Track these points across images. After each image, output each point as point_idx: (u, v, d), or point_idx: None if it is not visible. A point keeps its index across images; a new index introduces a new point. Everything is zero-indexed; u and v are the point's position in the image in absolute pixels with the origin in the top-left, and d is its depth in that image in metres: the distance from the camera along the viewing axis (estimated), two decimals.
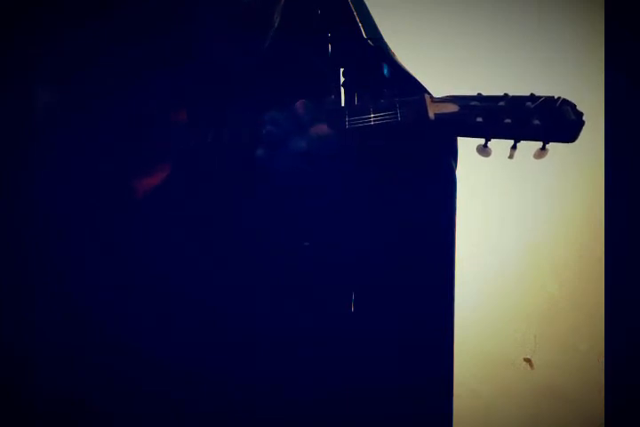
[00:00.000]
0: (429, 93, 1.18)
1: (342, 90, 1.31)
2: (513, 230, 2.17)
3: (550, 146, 1.10)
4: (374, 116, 1.14)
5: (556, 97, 1.11)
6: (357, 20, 1.27)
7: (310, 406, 1.25)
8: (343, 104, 1.31)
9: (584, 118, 1.10)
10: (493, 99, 1.13)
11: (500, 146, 1.13)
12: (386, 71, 1.25)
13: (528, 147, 1.11)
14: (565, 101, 1.11)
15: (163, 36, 1.21)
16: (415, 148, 1.24)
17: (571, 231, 2.18)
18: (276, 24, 1.24)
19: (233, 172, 1.20)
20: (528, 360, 2.22)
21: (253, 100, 1.19)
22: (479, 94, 1.14)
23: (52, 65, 1.18)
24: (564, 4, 2.11)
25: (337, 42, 1.31)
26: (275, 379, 1.26)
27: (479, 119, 1.11)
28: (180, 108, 1.21)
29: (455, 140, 1.28)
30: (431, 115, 1.13)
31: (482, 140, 1.12)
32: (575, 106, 1.11)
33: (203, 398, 1.23)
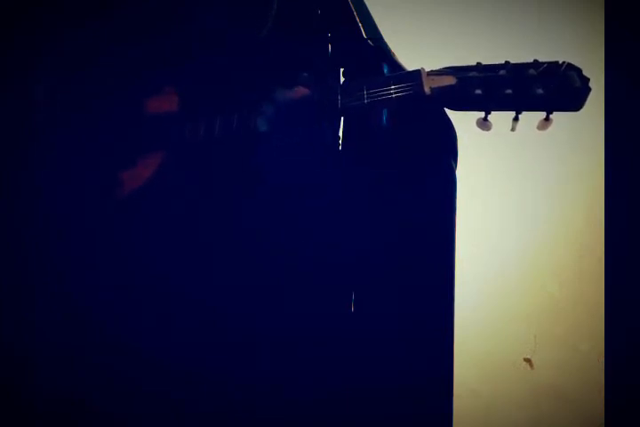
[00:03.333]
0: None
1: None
2: (513, 230, 2.17)
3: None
4: (367, 94, 1.11)
5: (560, 62, 1.07)
6: (357, 20, 1.26)
7: (310, 407, 1.25)
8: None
9: (590, 85, 1.05)
10: (494, 68, 1.08)
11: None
12: (386, 71, 1.25)
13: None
14: (570, 66, 1.06)
15: (162, 34, 1.21)
16: (415, 133, 1.21)
17: (571, 231, 2.17)
18: (275, 8, 1.23)
19: (232, 169, 1.20)
20: (528, 360, 2.21)
21: (251, 98, 1.19)
22: (479, 64, 1.10)
23: (51, 64, 1.18)
24: (563, 4, 2.11)
25: (337, 42, 1.30)
26: (275, 379, 1.25)
27: (478, 91, 1.07)
28: (175, 100, 1.20)
29: (455, 141, 1.28)
30: (427, 89, 1.09)
31: (482, 114, 1.09)
32: (581, 70, 1.06)
33: (203, 398, 1.23)
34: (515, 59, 1.11)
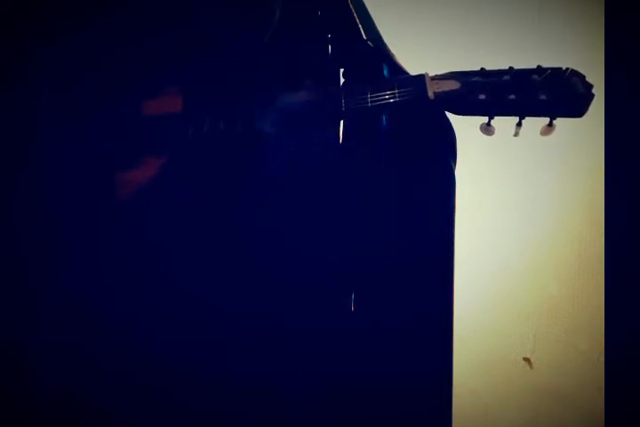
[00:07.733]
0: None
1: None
2: (513, 230, 2.17)
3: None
4: (371, 97, 1.12)
5: (564, 68, 1.07)
6: (357, 20, 1.26)
7: (310, 406, 1.26)
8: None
9: (593, 91, 1.06)
10: (497, 73, 1.09)
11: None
12: (386, 72, 1.25)
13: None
14: (574, 72, 1.07)
15: (162, 33, 1.21)
16: (415, 133, 1.22)
17: (571, 231, 2.17)
18: (278, 15, 1.23)
19: (233, 170, 1.21)
20: (527, 360, 2.21)
21: (252, 98, 1.19)
22: (482, 69, 1.11)
23: (52, 66, 1.18)
24: (564, 4, 2.11)
25: (337, 42, 1.30)
26: (275, 379, 1.26)
27: (482, 96, 1.08)
28: (177, 101, 1.21)
29: (454, 141, 1.28)
30: (430, 94, 1.09)
31: (485, 119, 1.10)
32: (584, 77, 1.07)
33: (203, 398, 1.23)
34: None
